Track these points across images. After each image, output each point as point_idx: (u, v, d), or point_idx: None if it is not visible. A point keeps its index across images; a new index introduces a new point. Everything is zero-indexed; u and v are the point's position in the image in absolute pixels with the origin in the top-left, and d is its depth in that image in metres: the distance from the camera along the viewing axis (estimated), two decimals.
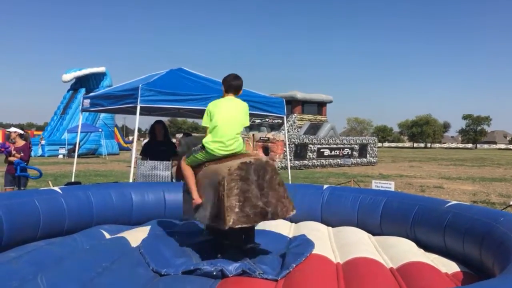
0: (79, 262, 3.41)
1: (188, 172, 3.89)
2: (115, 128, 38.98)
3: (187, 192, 3.95)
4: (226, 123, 3.73)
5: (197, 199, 3.73)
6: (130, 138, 49.26)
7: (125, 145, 40.24)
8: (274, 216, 3.53)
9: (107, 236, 4.52)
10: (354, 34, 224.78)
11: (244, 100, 7.54)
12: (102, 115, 32.55)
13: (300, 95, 26.39)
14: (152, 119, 7.60)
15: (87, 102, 7.47)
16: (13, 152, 6.95)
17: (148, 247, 3.87)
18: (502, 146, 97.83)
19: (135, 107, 6.46)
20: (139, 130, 75.84)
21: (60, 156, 28.25)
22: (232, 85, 4.02)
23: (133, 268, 3.45)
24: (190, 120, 79.09)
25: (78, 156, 14.00)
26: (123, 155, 32.66)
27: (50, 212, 4.38)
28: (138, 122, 6.62)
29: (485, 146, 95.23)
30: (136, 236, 4.38)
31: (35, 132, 38.88)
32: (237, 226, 3.33)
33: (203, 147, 3.72)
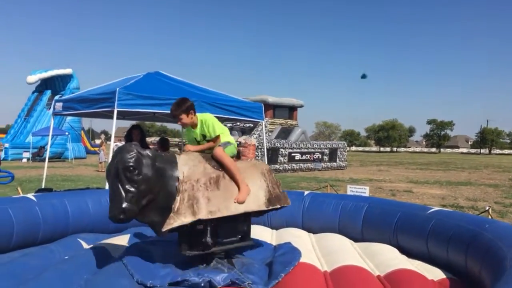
0: (60, 274, 3.26)
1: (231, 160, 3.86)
2: (82, 131, 37.96)
3: None
4: None
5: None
6: (97, 141, 48.04)
7: (92, 149, 39.22)
8: None
9: (85, 245, 4.36)
10: (324, 40, 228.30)
11: (223, 105, 7.50)
12: (69, 117, 31.62)
13: (271, 99, 26.44)
14: (123, 123, 7.45)
15: (59, 105, 7.21)
16: None
17: (131, 257, 3.71)
18: (464, 150, 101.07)
19: (111, 111, 6.28)
20: (106, 133, 73.92)
21: (24, 160, 27.29)
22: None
23: (117, 279, 3.31)
24: (158, 123, 77.90)
25: (44, 160, 13.50)
26: (90, 159, 31.83)
27: (25, 221, 4.20)
28: (104, 125, 6.47)
29: (448, 150, 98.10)
30: (115, 245, 4.24)
31: None
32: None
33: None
